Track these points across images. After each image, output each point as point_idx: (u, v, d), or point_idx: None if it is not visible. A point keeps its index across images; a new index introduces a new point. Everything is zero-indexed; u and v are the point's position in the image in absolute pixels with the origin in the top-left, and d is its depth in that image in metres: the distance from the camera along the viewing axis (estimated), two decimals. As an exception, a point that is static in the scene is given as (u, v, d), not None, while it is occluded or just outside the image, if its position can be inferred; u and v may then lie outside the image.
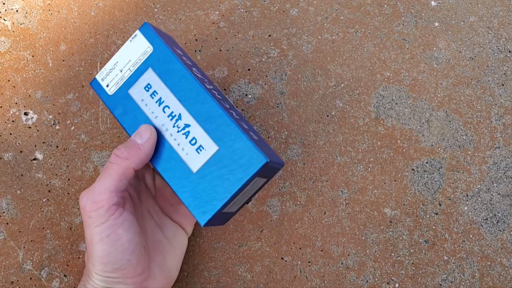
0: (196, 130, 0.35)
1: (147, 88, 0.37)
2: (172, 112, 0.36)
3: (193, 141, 0.35)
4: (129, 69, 0.37)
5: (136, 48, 0.37)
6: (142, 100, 0.37)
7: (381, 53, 0.46)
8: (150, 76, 0.37)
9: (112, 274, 0.33)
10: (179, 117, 0.36)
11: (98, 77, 0.38)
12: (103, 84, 0.38)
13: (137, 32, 0.38)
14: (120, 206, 0.34)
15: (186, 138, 0.35)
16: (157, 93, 0.36)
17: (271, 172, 0.37)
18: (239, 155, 0.34)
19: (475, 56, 0.46)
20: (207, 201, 0.34)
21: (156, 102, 0.36)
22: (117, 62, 0.38)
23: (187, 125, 0.35)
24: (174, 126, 0.36)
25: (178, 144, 0.35)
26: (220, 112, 0.35)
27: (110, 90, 0.38)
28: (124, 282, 0.34)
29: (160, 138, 0.36)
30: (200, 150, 0.35)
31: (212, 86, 0.39)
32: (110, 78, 0.38)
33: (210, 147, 0.35)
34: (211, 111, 0.35)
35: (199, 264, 0.43)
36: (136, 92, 0.37)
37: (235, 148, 0.34)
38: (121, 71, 0.38)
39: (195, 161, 0.35)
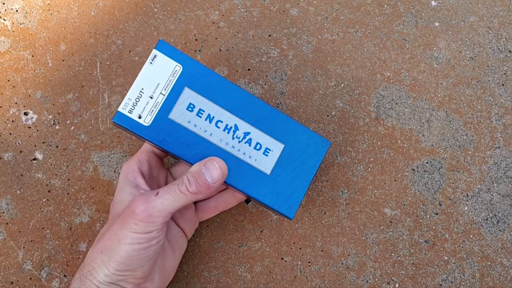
0: (257, 135, 0.36)
1: (190, 108, 0.35)
2: (227, 125, 0.36)
3: (258, 147, 0.36)
4: (161, 93, 0.35)
5: (161, 69, 0.35)
6: (189, 121, 0.35)
7: (381, 53, 0.46)
8: (189, 95, 0.35)
9: (122, 272, 0.34)
10: (236, 128, 0.36)
11: (123, 110, 0.34)
12: (133, 116, 0.34)
13: (156, 52, 0.35)
14: (166, 223, 0.35)
15: (250, 145, 0.36)
16: (203, 111, 0.35)
17: None
18: (306, 145, 0.37)
19: (475, 56, 0.46)
20: (289, 196, 0.36)
21: (206, 119, 0.35)
22: (142, 88, 0.34)
23: (246, 133, 0.36)
24: (234, 138, 0.36)
25: (244, 154, 0.36)
26: (274, 111, 0.37)
27: (146, 121, 0.34)
28: (127, 281, 0.34)
29: (223, 154, 0.36)
30: (268, 153, 0.36)
31: None
32: (140, 107, 0.34)
33: (277, 147, 0.36)
34: (264, 112, 0.36)
35: (199, 264, 0.43)
36: (179, 116, 0.35)
37: (299, 140, 0.37)
38: (151, 97, 0.34)
39: (266, 164, 0.36)
